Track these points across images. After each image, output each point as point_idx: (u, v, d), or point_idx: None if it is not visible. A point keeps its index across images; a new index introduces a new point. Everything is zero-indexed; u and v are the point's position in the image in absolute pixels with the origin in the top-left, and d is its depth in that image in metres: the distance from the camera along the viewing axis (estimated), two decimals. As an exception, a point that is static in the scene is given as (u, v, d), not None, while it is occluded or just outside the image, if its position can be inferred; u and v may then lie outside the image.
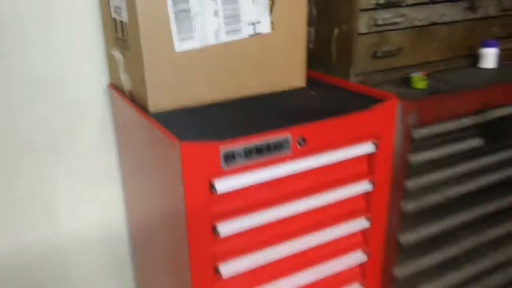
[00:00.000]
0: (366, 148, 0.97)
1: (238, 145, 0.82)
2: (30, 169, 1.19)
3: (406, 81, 1.13)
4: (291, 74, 1.11)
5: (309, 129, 0.89)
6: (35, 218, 1.26)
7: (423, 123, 1.03)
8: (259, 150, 0.85)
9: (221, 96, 1.03)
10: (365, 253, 1.08)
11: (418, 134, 1.02)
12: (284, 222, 0.95)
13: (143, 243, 1.23)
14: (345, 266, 1.07)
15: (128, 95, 1.06)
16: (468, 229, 1.27)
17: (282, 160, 0.89)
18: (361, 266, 1.10)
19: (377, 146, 0.98)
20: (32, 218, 1.25)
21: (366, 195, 1.04)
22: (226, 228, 0.87)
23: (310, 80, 1.14)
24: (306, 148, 0.90)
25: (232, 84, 1.03)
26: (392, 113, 0.98)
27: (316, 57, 1.21)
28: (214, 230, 0.86)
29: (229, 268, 0.90)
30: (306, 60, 1.10)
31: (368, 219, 1.05)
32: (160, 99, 0.97)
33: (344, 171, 0.99)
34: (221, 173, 0.83)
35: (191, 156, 0.79)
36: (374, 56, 1.14)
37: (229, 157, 0.82)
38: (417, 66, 1.22)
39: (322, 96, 1.06)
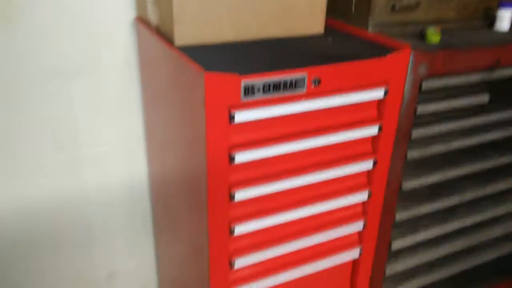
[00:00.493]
0: (376, 93, 1.04)
1: (257, 80, 0.89)
2: (53, 97, 1.27)
3: (421, 35, 1.17)
4: (310, 20, 1.16)
5: (324, 70, 0.95)
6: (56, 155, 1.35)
7: (433, 75, 1.08)
8: (276, 86, 0.92)
9: (244, 36, 1.09)
10: (369, 193, 1.16)
11: (427, 85, 1.08)
12: (295, 156, 1.03)
13: (163, 177, 1.33)
14: (349, 203, 1.16)
15: (155, 29, 1.13)
16: (469, 182, 1.34)
17: (297, 98, 0.96)
18: (364, 204, 1.19)
19: (387, 93, 1.05)
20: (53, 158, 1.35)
21: (374, 139, 1.12)
22: (243, 157, 0.95)
23: (329, 28, 1.19)
24: (320, 88, 0.97)
25: (254, 25, 1.09)
26: (404, 62, 1.04)
27: (336, 6, 1.26)
28: (230, 158, 0.95)
29: (242, 195, 0.99)
30: (326, 7, 1.15)
31: (374, 161, 1.13)
32: (186, 33, 1.04)
33: (354, 114, 1.07)
34: (240, 105, 0.90)
35: (214, 86, 0.86)
36: (393, 9, 1.19)
37: (249, 90, 0.90)
38: (433, 23, 1.26)
39: (339, 43, 1.12)
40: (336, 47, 1.10)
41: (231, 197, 0.99)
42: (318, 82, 0.96)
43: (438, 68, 1.08)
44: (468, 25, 1.32)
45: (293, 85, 0.94)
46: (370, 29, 1.17)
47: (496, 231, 1.48)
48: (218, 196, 0.98)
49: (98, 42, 1.26)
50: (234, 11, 1.06)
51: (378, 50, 1.06)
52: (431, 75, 1.08)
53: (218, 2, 1.04)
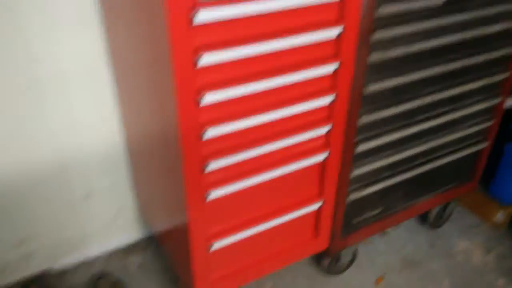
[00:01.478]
0: (337, -6, 1.07)
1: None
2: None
3: None
4: None
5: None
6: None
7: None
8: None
9: None
10: (334, 96, 1.22)
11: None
12: (260, 60, 1.07)
13: (132, 98, 1.35)
14: (315, 107, 1.21)
15: None
16: (430, 86, 1.41)
17: (259, -3, 0.98)
18: (330, 108, 1.25)
19: (348, -7, 1.08)
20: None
21: (336, 42, 1.16)
22: (208, 59, 0.98)
23: None
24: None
25: None
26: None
27: None
28: (195, 63, 0.97)
29: (210, 99, 1.03)
30: None
31: (338, 64, 1.17)
32: None
33: (316, 16, 1.10)
34: (199, 4, 0.92)
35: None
36: None
37: (210, -12, 0.91)
38: None
39: None
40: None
41: (200, 101, 1.03)
42: (279, -20, 0.97)
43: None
44: None
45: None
46: None
47: (454, 135, 1.58)
48: (187, 103, 1.01)
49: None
50: None
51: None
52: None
53: None
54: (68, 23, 1.35)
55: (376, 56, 1.23)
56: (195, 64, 0.98)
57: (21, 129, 1.41)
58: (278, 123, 1.20)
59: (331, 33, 1.12)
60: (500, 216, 1.86)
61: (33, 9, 1.28)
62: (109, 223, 1.75)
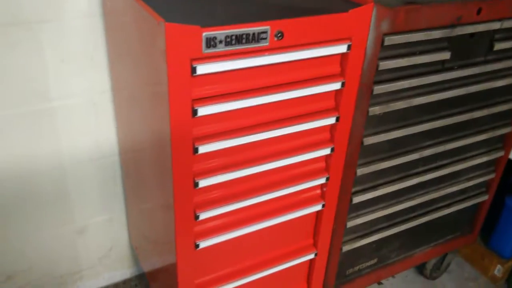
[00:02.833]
0: (339, 48, 1.07)
1: (219, 32, 0.90)
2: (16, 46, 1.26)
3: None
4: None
5: (287, 23, 0.97)
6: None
7: (395, 31, 1.11)
8: (239, 39, 0.93)
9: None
10: (332, 148, 1.21)
11: (390, 41, 1.11)
12: (259, 111, 1.06)
13: (129, 133, 1.34)
14: (313, 157, 1.20)
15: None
16: (430, 139, 1.40)
17: (260, 52, 0.97)
18: (327, 159, 1.24)
19: (349, 48, 1.07)
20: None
21: (337, 95, 1.15)
22: (206, 110, 0.97)
23: None
24: (283, 42, 0.98)
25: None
26: (367, 17, 1.06)
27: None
28: (193, 111, 0.96)
29: (206, 148, 1.02)
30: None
31: (337, 117, 1.16)
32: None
33: (318, 69, 1.09)
34: (202, 58, 0.92)
35: (175, 37, 0.87)
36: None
37: (210, 42, 0.91)
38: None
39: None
40: (301, 1, 1.11)
41: (195, 150, 1.01)
42: (281, 35, 0.97)
43: (400, 24, 1.11)
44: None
45: (256, 38, 0.95)
46: (335, -16, 1.18)
47: (454, 187, 1.56)
48: (182, 150, 1.00)
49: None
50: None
51: (342, 4, 1.08)
52: (393, 31, 1.11)
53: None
54: (77, 61, 1.36)
55: (377, 109, 1.22)
56: (193, 114, 0.97)
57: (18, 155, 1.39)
58: (275, 172, 1.18)
59: (332, 86, 1.12)
60: (498, 270, 1.83)
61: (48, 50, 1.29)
62: (101, 259, 1.72)
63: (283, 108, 1.10)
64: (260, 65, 1.00)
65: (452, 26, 1.20)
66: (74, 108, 1.42)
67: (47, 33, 1.28)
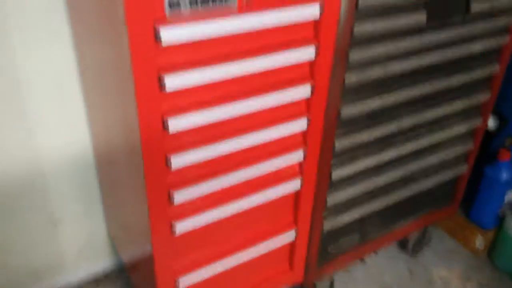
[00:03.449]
0: (311, 10, 1.01)
1: (182, -8, 0.84)
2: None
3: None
4: None
5: (255, -16, 0.91)
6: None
7: None
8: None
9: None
10: (308, 119, 1.16)
11: (364, 3, 1.06)
12: (228, 82, 1.00)
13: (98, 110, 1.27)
14: (288, 132, 1.15)
15: None
16: (408, 108, 1.37)
17: (227, 14, 0.91)
18: (304, 133, 1.19)
19: (322, 12, 1.02)
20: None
21: (311, 64, 1.10)
22: (174, 81, 0.91)
23: None
24: (252, 4, 0.92)
25: None
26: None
27: None
28: (160, 83, 0.90)
29: (176, 124, 0.96)
30: None
31: (312, 86, 1.11)
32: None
33: (289, 35, 1.04)
34: (166, 21, 0.85)
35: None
36: None
37: (174, 3, 0.84)
38: None
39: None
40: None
41: (165, 126, 0.95)
42: (249, -4, 0.91)
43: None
44: None
45: (222, -1, 0.89)
46: None
47: (433, 159, 1.54)
48: (151, 127, 0.94)
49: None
50: None
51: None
52: None
53: None
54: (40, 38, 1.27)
55: (353, 77, 1.18)
56: (161, 86, 0.90)
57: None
58: (250, 149, 1.12)
59: (305, 53, 1.06)
60: (479, 241, 1.82)
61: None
62: (79, 251, 1.64)
63: (255, 78, 1.05)
64: (229, 31, 0.94)
65: (427, -13, 1.16)
66: (42, 90, 1.33)
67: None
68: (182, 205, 1.09)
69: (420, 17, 1.20)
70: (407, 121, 1.38)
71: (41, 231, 1.53)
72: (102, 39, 1.03)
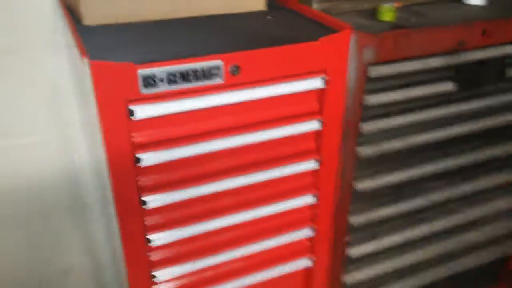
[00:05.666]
0: (312, 82, 0.94)
1: (158, 68, 0.80)
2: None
3: (376, 12, 1.07)
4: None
5: (244, 56, 0.86)
6: None
7: (382, 60, 0.98)
8: (185, 76, 0.82)
9: (165, 14, 1.01)
10: (315, 196, 1.07)
11: (376, 72, 0.98)
12: (220, 156, 0.94)
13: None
14: (292, 207, 1.07)
15: (68, 7, 1.05)
16: (438, 180, 1.24)
17: (213, 90, 0.86)
18: (312, 208, 1.10)
19: (326, 82, 0.95)
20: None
21: (317, 135, 1.02)
22: (149, 159, 0.86)
23: (274, 3, 1.12)
24: (241, 77, 0.87)
25: (179, 2, 1.00)
26: (344, 46, 0.93)
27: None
28: (136, 160, 0.85)
29: (153, 200, 0.90)
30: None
31: (318, 161, 1.03)
32: (96, 11, 0.95)
33: (290, 107, 0.97)
34: (140, 98, 0.81)
35: (103, 76, 0.77)
36: (344, -17, 1.08)
37: (149, 80, 0.80)
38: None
39: (277, 22, 1.02)
40: (272, 26, 1.00)
41: (143, 203, 0.90)
42: (237, 70, 0.86)
43: (388, 52, 0.98)
44: None
45: (206, 74, 0.84)
46: (315, 5, 1.07)
47: (473, 236, 1.38)
48: (127, 203, 0.89)
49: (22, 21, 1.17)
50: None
51: (319, 30, 0.96)
52: (379, 61, 0.98)
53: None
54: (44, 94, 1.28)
55: (368, 150, 1.08)
56: (135, 163, 0.86)
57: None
58: (245, 225, 1.05)
59: (309, 126, 0.99)
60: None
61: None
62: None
63: (251, 152, 0.98)
64: (217, 105, 0.88)
65: (455, 52, 1.06)
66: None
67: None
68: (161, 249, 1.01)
69: (447, 87, 1.09)
70: (438, 195, 1.25)
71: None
72: (84, 106, 1.00)
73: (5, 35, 1.17)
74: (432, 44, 1.02)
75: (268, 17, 1.05)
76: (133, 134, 0.85)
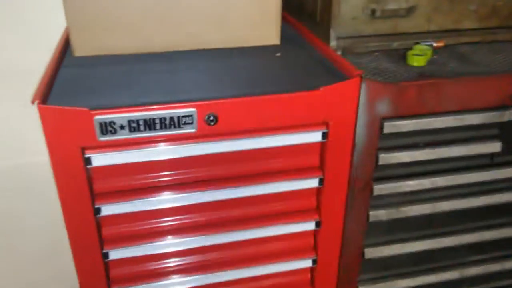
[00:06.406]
0: (308, 136, 0.81)
1: (118, 115, 0.71)
2: None
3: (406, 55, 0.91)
4: (259, 28, 0.95)
5: (223, 105, 0.75)
6: None
7: (401, 114, 0.82)
8: (150, 124, 0.73)
9: (166, 47, 0.92)
10: (314, 260, 0.94)
11: (392, 128, 0.83)
12: (191, 211, 0.84)
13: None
14: (285, 270, 0.94)
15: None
16: (475, 252, 1.05)
17: (184, 139, 0.76)
18: (311, 273, 0.97)
19: (327, 136, 0.81)
20: None
21: (317, 193, 0.89)
22: (108, 210, 0.78)
23: (291, 36, 1.01)
24: (219, 127, 0.76)
25: (178, 34, 0.92)
26: (351, 96, 0.79)
27: (303, 7, 1.03)
28: (96, 211, 0.78)
29: (116, 254, 0.82)
30: (281, 13, 0.94)
31: (317, 221, 0.90)
32: (87, 42, 0.89)
33: (280, 160, 0.85)
34: (97, 146, 0.73)
35: (54, 121, 0.70)
36: (373, 15, 0.93)
37: (107, 127, 0.72)
38: (439, 34, 0.98)
39: (284, 61, 0.90)
40: (274, 67, 0.88)
41: (105, 255, 0.82)
42: (214, 120, 0.75)
43: (410, 105, 0.82)
44: (492, 38, 1.01)
45: (176, 123, 0.74)
46: (334, 42, 0.93)
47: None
48: (88, 257, 0.82)
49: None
50: (146, 16, 0.89)
51: (327, 76, 0.82)
52: (397, 115, 0.82)
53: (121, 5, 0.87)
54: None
55: (382, 214, 0.93)
56: (96, 213, 0.78)
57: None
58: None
59: (305, 183, 0.86)
60: None
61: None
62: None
63: (237, 207, 0.87)
64: (188, 155, 0.78)
65: (502, 107, 0.87)
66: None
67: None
68: None
69: (493, 148, 0.90)
70: (474, 269, 1.06)
71: None
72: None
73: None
74: (471, 97, 0.84)
75: (277, 54, 0.93)
76: (93, 182, 0.77)
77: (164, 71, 0.85)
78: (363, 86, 0.79)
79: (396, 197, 0.93)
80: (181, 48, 0.94)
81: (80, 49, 0.91)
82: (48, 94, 0.74)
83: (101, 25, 0.89)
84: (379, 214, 0.93)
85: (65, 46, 0.95)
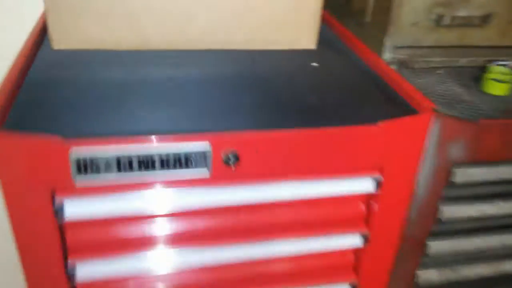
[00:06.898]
0: (357, 185, 0.61)
1: (105, 149, 0.51)
2: None
3: (479, 76, 0.71)
4: (291, 27, 0.75)
5: (249, 140, 0.55)
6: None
7: (476, 160, 0.63)
8: (145, 163, 0.53)
9: (168, 44, 0.71)
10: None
11: (465, 177, 0.63)
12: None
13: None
14: None
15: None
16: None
17: (194, 183, 0.56)
18: None
19: (380, 185, 0.61)
20: None
21: (354, 252, 0.69)
22: (85, 271, 0.58)
23: (329, 39, 0.79)
24: (241, 170, 0.56)
25: (187, 29, 0.71)
26: (419, 136, 0.59)
27: (350, 7, 0.82)
28: (68, 273, 0.58)
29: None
30: (321, 12, 0.73)
31: (353, 285, 0.71)
32: (65, 34, 0.68)
33: (314, 211, 0.65)
34: (73, 190, 0.53)
35: (15, 154, 0.49)
36: (438, 22, 0.73)
37: (87, 165, 0.52)
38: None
39: (321, 74, 0.70)
40: (308, 84, 0.67)
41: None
42: (235, 160, 0.55)
43: (489, 150, 0.62)
44: None
45: (181, 163, 0.54)
46: (388, 54, 0.72)
47: None
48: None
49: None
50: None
51: (381, 103, 0.62)
52: (473, 161, 0.63)
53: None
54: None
55: (432, 275, 0.74)
56: (69, 278, 0.59)
57: None
58: None
59: (345, 242, 0.67)
60: None
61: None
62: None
63: (256, 267, 0.68)
64: (197, 205, 0.58)
65: None
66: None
67: None
68: None
69: None
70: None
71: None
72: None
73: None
74: None
75: (313, 64, 0.72)
76: (65, 237, 0.57)
77: (167, 80, 0.65)
78: (436, 123, 0.59)
79: (452, 255, 0.74)
80: (189, 48, 0.74)
81: (59, 41, 0.70)
82: (6, 112, 0.54)
83: (88, 10, 0.69)
84: (429, 275, 0.74)
85: (41, 37, 0.74)
